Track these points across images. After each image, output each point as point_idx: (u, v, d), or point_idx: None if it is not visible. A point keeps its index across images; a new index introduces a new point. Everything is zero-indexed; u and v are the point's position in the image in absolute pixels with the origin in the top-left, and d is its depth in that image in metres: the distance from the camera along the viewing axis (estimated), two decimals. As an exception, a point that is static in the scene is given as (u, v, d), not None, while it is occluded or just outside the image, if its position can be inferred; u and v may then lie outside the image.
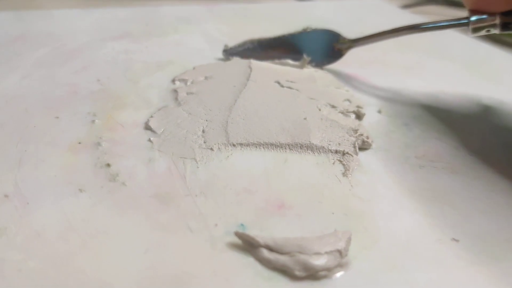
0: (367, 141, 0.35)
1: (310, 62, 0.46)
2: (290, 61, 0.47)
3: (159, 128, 0.35)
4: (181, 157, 0.32)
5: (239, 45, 0.50)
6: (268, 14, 0.59)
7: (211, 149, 0.33)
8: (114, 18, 0.55)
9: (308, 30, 0.48)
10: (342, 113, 0.39)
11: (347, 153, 0.34)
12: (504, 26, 0.34)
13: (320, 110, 0.38)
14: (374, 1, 0.79)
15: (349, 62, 0.47)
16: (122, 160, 0.31)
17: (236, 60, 0.48)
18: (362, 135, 0.35)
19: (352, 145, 0.34)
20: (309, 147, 0.34)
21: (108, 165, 0.31)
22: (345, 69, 0.45)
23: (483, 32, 0.35)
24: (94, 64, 0.44)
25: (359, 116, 0.39)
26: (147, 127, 0.35)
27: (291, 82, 0.42)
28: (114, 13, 0.56)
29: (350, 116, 0.39)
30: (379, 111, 0.40)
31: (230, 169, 0.31)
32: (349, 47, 0.45)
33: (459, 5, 0.74)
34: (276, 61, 0.47)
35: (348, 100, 0.41)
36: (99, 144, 0.33)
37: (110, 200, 0.28)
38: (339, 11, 0.70)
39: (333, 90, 0.43)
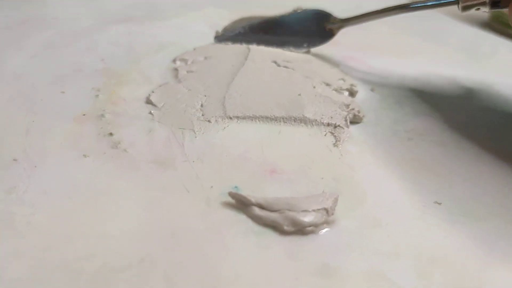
0: (358, 115, 0.36)
1: (302, 44, 0.46)
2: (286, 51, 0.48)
3: (159, 102, 0.36)
4: (180, 128, 0.33)
5: (230, 30, 0.49)
6: (265, 1, 0.61)
7: (209, 121, 0.34)
8: (117, 3, 0.57)
9: (299, 10, 0.49)
10: (336, 90, 0.40)
11: (339, 125, 0.35)
12: (493, 4, 0.35)
13: (314, 87, 0.40)
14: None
15: (345, 45, 0.48)
16: (124, 130, 0.33)
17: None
18: (353, 109, 0.37)
19: (343, 119, 0.36)
20: (303, 120, 0.35)
21: (111, 134, 0.32)
22: (341, 52, 0.46)
23: (472, 10, 0.36)
24: (98, 45, 0.46)
25: (352, 93, 0.40)
26: (148, 101, 0.37)
27: (288, 62, 0.44)
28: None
29: (343, 93, 0.40)
30: (372, 90, 0.41)
31: (227, 139, 0.33)
32: (340, 27, 0.44)
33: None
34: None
35: (342, 79, 0.43)
36: (102, 116, 0.34)
37: (112, 164, 0.29)
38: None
39: (328, 69, 0.44)
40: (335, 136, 0.34)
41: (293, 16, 0.48)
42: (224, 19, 0.51)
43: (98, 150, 0.30)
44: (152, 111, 0.35)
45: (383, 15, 0.42)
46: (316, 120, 0.35)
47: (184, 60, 0.44)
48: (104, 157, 0.30)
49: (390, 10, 0.41)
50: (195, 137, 0.32)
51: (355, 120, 0.36)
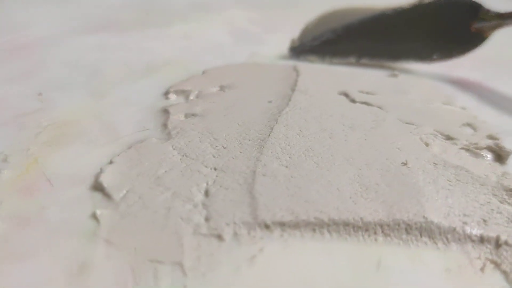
0: (540, 214, 0.17)
1: (430, 54, 0.31)
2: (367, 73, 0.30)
3: (118, 187, 0.18)
4: (151, 260, 0.14)
5: (313, 36, 0.33)
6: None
7: (218, 237, 0.15)
8: (97, 3, 0.39)
9: (427, 1, 0.31)
10: (469, 150, 0.21)
11: (506, 243, 0.16)
12: None
13: (427, 145, 0.21)
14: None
15: (456, 60, 0.29)
16: (19, 270, 0.14)
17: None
18: (528, 201, 0.17)
19: (510, 224, 0.16)
20: (425, 231, 0.16)
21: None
22: (452, 72, 0.30)
23: None
24: (44, 68, 0.28)
25: (500, 157, 0.21)
26: (97, 186, 0.18)
27: (368, 93, 0.25)
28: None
29: (484, 157, 0.21)
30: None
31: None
32: (497, 27, 0.28)
33: None
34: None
35: (470, 125, 0.23)
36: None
37: None
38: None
39: (441, 107, 0.25)
40: (505, 272, 0.15)
41: (417, 10, 0.31)
42: (256, 24, 0.32)
43: None
44: (97, 212, 0.16)
45: None
46: (454, 229, 0.16)
47: (184, 93, 0.25)
48: None
49: None
50: (185, 286, 0.13)
51: (533, 225, 0.17)
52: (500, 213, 0.17)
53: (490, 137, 0.22)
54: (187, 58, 0.30)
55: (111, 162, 0.19)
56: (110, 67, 0.28)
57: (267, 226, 0.16)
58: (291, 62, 0.31)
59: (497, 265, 0.16)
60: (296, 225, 0.16)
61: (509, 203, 0.18)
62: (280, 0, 0.41)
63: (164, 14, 0.38)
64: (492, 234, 0.16)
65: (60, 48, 0.31)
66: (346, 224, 0.16)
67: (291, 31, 0.33)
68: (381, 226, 0.16)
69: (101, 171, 0.19)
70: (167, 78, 0.27)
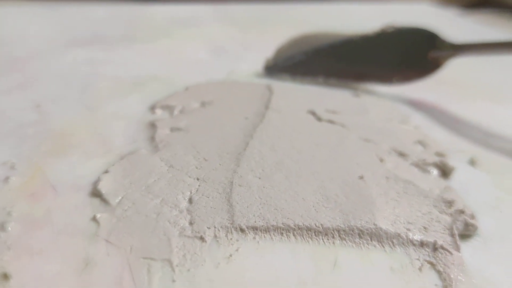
0: (470, 223, 0.20)
1: (390, 77, 0.33)
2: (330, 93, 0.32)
3: (115, 194, 0.20)
4: (144, 257, 0.17)
5: (286, 57, 0.36)
6: (292, 18, 0.45)
7: (201, 238, 0.18)
8: (86, 17, 0.41)
9: (390, 30, 0.34)
10: (417, 166, 0.24)
11: (441, 247, 0.19)
12: None
13: (382, 161, 0.24)
14: (424, 6, 0.64)
15: (414, 83, 0.32)
16: (33, 265, 0.17)
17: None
18: (462, 211, 0.21)
19: (448, 231, 0.20)
20: (375, 236, 0.19)
21: (6, 276, 0.16)
22: (408, 93, 0.33)
23: None
24: (39, 81, 0.30)
25: (445, 172, 0.24)
26: (96, 192, 0.20)
27: (333, 113, 0.28)
28: (88, 11, 0.41)
29: (430, 172, 0.24)
30: (472, 162, 0.25)
31: (236, 280, 0.17)
32: (450, 56, 0.31)
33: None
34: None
35: (421, 142, 0.26)
36: (2, 227, 0.18)
37: None
38: (381, 16, 0.55)
39: (397, 126, 0.28)
40: (439, 272, 0.18)
41: (381, 37, 0.34)
42: (236, 41, 0.35)
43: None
44: (97, 216, 0.19)
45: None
46: (399, 235, 0.19)
47: (169, 108, 0.28)
48: None
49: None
50: (173, 280, 0.16)
51: (466, 232, 0.20)
52: (439, 221, 0.20)
53: (438, 154, 0.26)
54: (171, 74, 0.33)
55: (106, 172, 0.22)
56: (100, 82, 0.31)
57: (242, 230, 0.19)
58: (266, 80, 0.33)
59: (433, 265, 0.19)
60: (266, 229, 0.19)
61: (446, 213, 0.21)
62: (257, 19, 0.44)
63: (149, 29, 0.40)
64: (431, 240, 0.19)
65: (53, 61, 0.33)
66: (308, 229, 0.19)
67: (266, 50, 0.36)
68: (338, 231, 0.19)
69: (99, 179, 0.21)
70: (153, 92, 0.30)
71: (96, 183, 0.21)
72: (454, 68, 0.32)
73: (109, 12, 0.43)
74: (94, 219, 0.19)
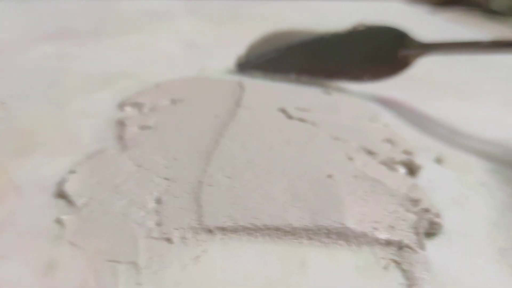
0: (435, 221, 0.21)
1: (361, 76, 0.34)
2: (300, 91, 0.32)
3: (81, 194, 0.20)
4: (109, 260, 0.17)
5: (258, 54, 0.36)
6: (265, 13, 0.45)
7: (168, 240, 0.18)
8: (55, 10, 0.40)
9: (361, 28, 0.34)
10: (386, 164, 0.24)
11: (406, 246, 0.19)
12: None
13: (351, 159, 0.24)
14: (394, 3, 0.64)
15: (384, 81, 0.32)
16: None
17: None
18: (428, 210, 0.21)
19: (412, 230, 0.20)
20: (342, 235, 0.19)
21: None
22: (378, 91, 0.33)
23: None
24: (4, 77, 0.29)
25: (412, 170, 0.24)
26: (61, 193, 0.20)
27: (304, 110, 0.28)
28: (57, 4, 0.41)
29: (397, 170, 0.24)
30: (438, 160, 0.26)
31: (203, 281, 0.17)
32: (419, 55, 0.31)
33: (492, 12, 0.61)
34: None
35: (390, 140, 0.27)
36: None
37: None
38: (353, 13, 0.56)
39: (366, 124, 0.28)
40: (404, 271, 0.18)
41: (351, 35, 0.34)
42: (207, 37, 0.35)
43: None
44: (62, 217, 0.18)
45: (488, 50, 0.27)
46: (365, 234, 0.19)
47: (138, 105, 0.27)
48: None
49: (502, 45, 0.26)
50: (139, 283, 0.16)
51: (431, 230, 0.21)
52: (405, 220, 0.21)
53: (405, 152, 0.26)
54: (141, 70, 0.32)
55: (73, 171, 0.21)
56: (68, 78, 0.30)
57: (210, 231, 0.19)
58: (237, 77, 0.33)
59: (398, 264, 0.19)
60: (235, 230, 0.19)
61: (412, 212, 0.21)
62: (229, 15, 0.44)
63: (120, 23, 0.40)
64: (396, 238, 0.20)
65: (19, 56, 0.32)
66: (277, 229, 0.19)
67: (239, 46, 0.36)
68: (306, 231, 0.20)
69: (65, 179, 0.21)
70: (122, 89, 0.29)
71: (61, 183, 0.21)
72: (423, 67, 0.32)
73: (79, 5, 0.42)
74: (58, 220, 0.19)
